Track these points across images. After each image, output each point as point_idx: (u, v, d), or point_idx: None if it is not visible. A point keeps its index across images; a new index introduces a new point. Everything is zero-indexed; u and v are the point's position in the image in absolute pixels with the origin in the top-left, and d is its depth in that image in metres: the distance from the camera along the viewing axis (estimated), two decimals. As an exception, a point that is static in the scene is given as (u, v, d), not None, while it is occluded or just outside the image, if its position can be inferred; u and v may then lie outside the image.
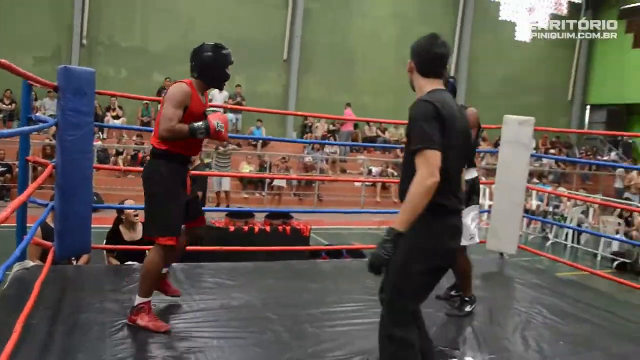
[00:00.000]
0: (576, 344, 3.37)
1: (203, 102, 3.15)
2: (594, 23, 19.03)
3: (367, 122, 15.22)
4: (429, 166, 2.05)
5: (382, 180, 12.96)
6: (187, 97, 2.96)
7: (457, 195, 2.28)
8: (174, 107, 2.91)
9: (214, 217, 6.23)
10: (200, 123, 2.94)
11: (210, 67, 3.04)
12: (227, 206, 10.70)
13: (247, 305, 3.52)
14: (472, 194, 3.76)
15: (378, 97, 16.04)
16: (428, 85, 2.25)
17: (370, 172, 13.82)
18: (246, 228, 5.89)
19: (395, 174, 13.96)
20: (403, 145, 11.23)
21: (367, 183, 13.00)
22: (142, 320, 2.94)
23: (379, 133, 15.27)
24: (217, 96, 12.36)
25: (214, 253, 4.79)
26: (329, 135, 14.75)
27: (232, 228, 5.84)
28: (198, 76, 3.07)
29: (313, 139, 14.50)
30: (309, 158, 13.71)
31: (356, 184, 12.93)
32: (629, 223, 9.54)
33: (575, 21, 19.12)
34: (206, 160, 11.09)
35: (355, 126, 15.39)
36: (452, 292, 3.94)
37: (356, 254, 6.06)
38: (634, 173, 10.94)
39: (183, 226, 3.15)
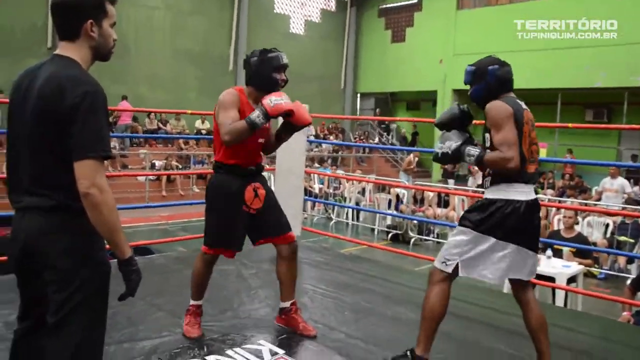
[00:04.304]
0: (357, 311, 3.60)
1: None
2: (358, 20, 20.82)
3: (148, 115, 14.62)
4: None
5: (167, 173, 12.57)
6: (234, 99, 2.86)
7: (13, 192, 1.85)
8: (225, 111, 2.81)
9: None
10: (254, 111, 2.76)
11: (257, 72, 2.91)
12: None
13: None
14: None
15: (155, 88, 15.46)
16: None
17: (153, 166, 13.31)
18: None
19: (180, 166, 13.64)
20: (185, 136, 10.77)
21: (151, 177, 12.50)
22: (185, 321, 3.06)
23: (160, 125, 14.73)
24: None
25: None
26: (106, 130, 13.77)
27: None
28: (247, 83, 2.97)
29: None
30: (85, 155, 12.57)
31: (139, 178, 12.37)
32: (399, 198, 10.56)
33: (343, 16, 20.62)
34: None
35: (135, 119, 14.66)
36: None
37: (142, 251, 5.76)
38: (411, 156, 12.20)
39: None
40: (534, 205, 2.62)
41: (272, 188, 3.48)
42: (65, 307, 1.74)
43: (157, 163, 13.41)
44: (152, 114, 14.61)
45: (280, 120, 3.02)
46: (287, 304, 3.16)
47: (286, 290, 3.15)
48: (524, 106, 2.64)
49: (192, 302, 3.09)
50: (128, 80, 14.89)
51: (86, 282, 1.78)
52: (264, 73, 2.88)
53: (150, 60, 15.65)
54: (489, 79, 2.62)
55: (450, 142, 2.66)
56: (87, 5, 1.77)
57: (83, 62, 1.80)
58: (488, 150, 2.60)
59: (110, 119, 13.95)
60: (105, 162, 1.77)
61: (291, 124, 2.99)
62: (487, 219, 2.55)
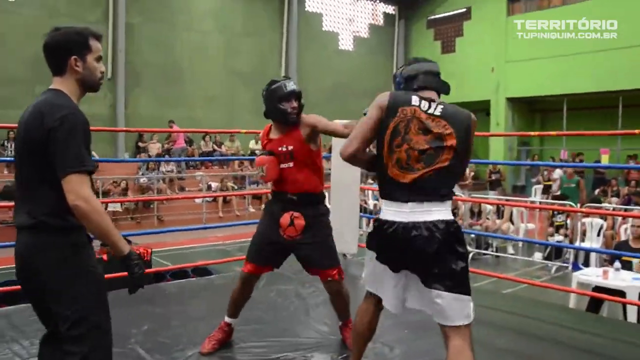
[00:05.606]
0: (417, 329, 3.54)
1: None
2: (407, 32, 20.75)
3: (203, 137, 15.01)
4: None
5: (223, 194, 12.81)
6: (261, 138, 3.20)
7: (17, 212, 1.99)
8: None
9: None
10: None
11: (266, 104, 3.06)
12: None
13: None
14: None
15: (210, 110, 15.88)
16: None
17: (209, 187, 13.58)
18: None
19: (235, 187, 13.87)
20: (241, 158, 10.90)
21: (207, 199, 12.76)
22: (211, 332, 3.14)
23: (215, 147, 15.06)
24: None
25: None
26: (163, 153, 14.24)
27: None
28: (265, 116, 3.11)
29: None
30: (144, 179, 13.11)
31: (196, 200, 12.65)
32: (454, 214, 10.37)
33: (391, 29, 20.62)
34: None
35: (190, 143, 15.03)
36: None
37: (201, 272, 5.87)
38: (466, 172, 11.98)
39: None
40: (414, 229, 2.14)
41: (328, 205, 3.44)
42: (69, 318, 1.88)
43: (213, 184, 13.68)
44: (207, 136, 14.97)
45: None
46: (340, 323, 3.33)
47: (338, 314, 3.31)
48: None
49: (225, 318, 3.17)
50: (184, 103, 15.34)
51: (83, 293, 1.91)
52: (271, 105, 3.02)
53: (204, 83, 16.09)
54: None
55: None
56: (71, 43, 1.96)
57: (71, 94, 1.97)
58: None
59: (167, 144, 14.43)
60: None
61: None
62: (371, 235, 2.37)
